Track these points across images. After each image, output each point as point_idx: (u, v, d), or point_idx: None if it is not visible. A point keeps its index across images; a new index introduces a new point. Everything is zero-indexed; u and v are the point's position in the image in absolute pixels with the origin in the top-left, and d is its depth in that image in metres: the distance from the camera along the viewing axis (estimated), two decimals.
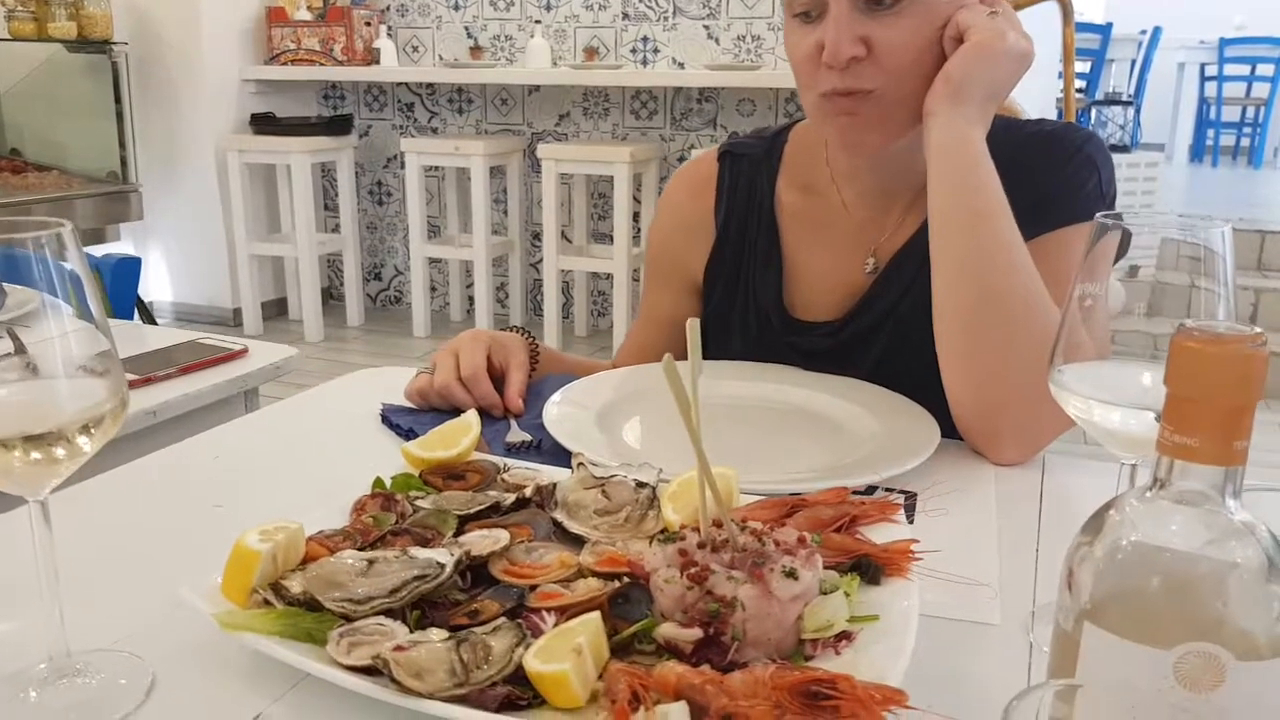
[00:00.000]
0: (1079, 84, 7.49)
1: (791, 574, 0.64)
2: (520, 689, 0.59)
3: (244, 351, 1.54)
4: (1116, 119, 7.88)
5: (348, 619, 0.64)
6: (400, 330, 5.20)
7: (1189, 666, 0.46)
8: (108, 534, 0.88)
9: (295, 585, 0.67)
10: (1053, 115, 5.69)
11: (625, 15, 4.83)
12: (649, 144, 4.69)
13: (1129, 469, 0.70)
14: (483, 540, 0.74)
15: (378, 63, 5.07)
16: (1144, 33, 8.45)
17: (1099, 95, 8.02)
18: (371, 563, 0.70)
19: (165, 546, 0.86)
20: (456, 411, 1.07)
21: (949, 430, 1.04)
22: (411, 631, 0.64)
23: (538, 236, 5.01)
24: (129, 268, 2.03)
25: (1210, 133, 8.99)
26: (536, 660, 0.59)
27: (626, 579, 0.69)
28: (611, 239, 4.58)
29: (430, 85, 5.22)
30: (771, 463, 0.98)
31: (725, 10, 4.65)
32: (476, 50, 5.10)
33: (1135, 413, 0.64)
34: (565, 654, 0.58)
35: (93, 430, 0.60)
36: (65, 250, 0.60)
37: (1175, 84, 8.91)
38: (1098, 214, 0.67)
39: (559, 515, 0.80)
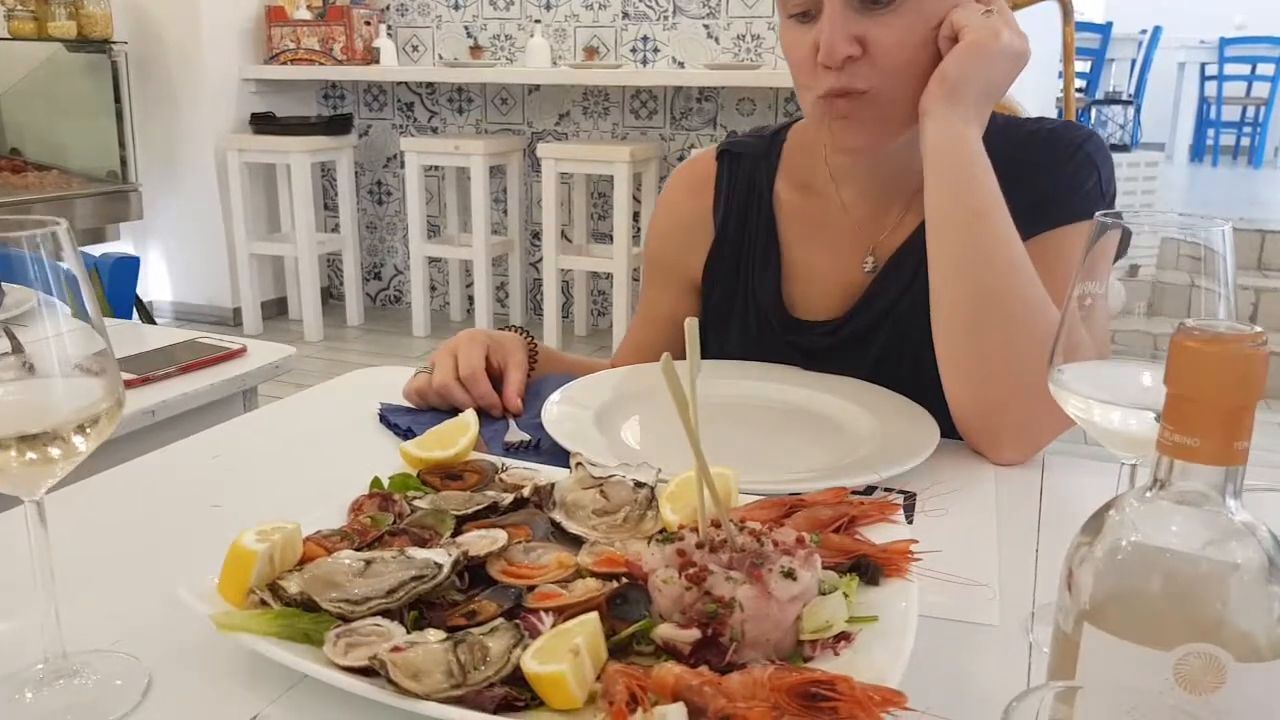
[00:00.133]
0: (1079, 83, 7.48)
1: (790, 574, 0.64)
2: (518, 690, 0.59)
3: (242, 351, 1.54)
4: (1116, 118, 7.88)
5: (345, 620, 0.64)
6: (400, 330, 5.20)
7: (1189, 668, 0.46)
8: (105, 534, 0.87)
9: (292, 586, 0.67)
10: (1053, 114, 5.69)
11: (625, 14, 4.83)
12: (649, 143, 4.69)
13: (1129, 469, 0.69)
14: (480, 540, 0.73)
15: (377, 62, 5.06)
16: (1144, 32, 8.45)
17: (1099, 94, 8.02)
18: (369, 563, 0.69)
19: (162, 546, 0.85)
20: (455, 411, 1.07)
21: (949, 430, 1.04)
22: (409, 632, 0.63)
23: (537, 236, 5.01)
24: (127, 267, 2.02)
25: (1210, 132, 8.99)
26: (534, 661, 0.58)
27: (625, 579, 0.68)
28: (611, 238, 4.58)
29: (430, 85, 5.22)
30: (770, 462, 0.98)
31: (725, 10, 4.65)
32: (476, 50, 5.10)
33: (1135, 412, 0.64)
34: (563, 655, 0.58)
35: (88, 430, 0.60)
36: (61, 249, 0.59)
37: (1175, 83, 8.90)
38: (1098, 213, 0.67)
39: (557, 515, 0.80)
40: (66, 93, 4.63)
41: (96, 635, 0.69)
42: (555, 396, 1.11)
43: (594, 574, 0.70)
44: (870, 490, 0.92)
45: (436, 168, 5.13)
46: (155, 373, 1.40)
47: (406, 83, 5.24)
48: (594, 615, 0.63)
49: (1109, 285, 0.68)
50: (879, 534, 0.75)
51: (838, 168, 1.21)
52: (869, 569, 0.70)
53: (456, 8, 5.12)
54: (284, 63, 5.10)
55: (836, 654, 0.63)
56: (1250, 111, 9.02)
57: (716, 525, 0.68)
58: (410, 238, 4.93)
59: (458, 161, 4.79)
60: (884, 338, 1.17)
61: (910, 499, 0.92)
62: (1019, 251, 1.01)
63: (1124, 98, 8.16)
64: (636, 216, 4.65)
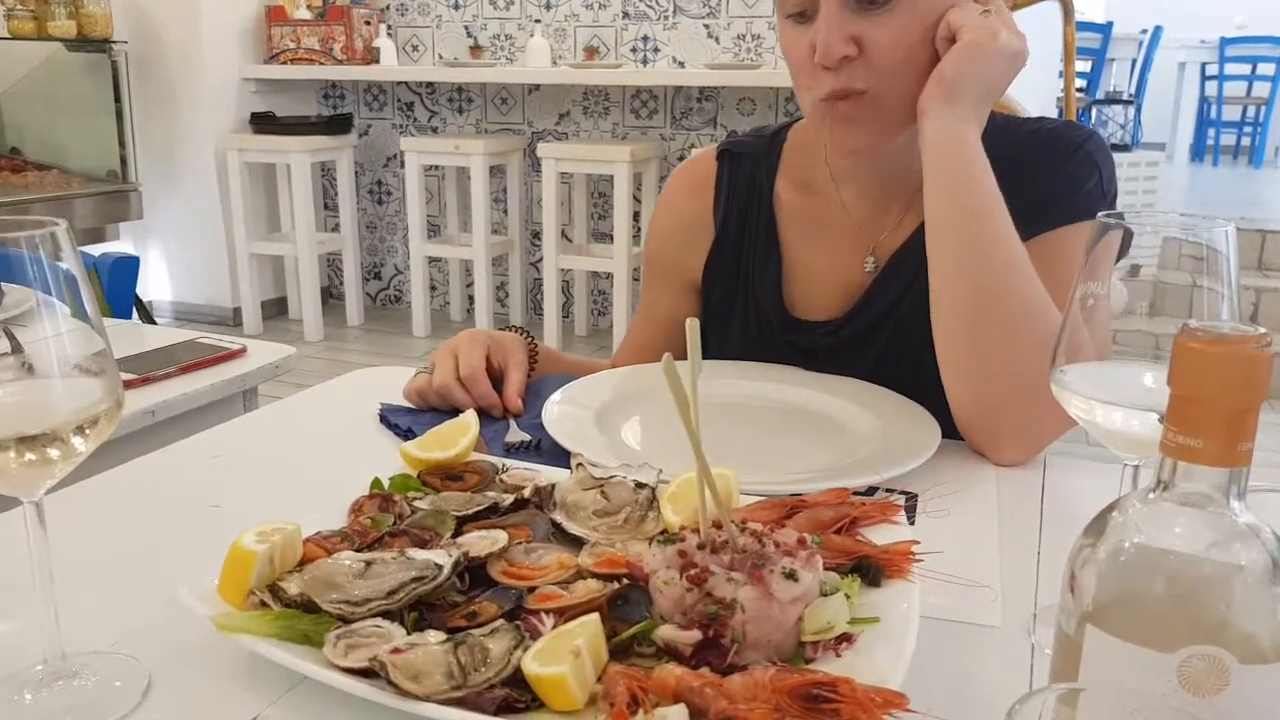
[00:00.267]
0: (1079, 83, 7.48)
1: (791, 576, 0.64)
2: (518, 692, 0.58)
3: (242, 351, 1.54)
4: (1117, 118, 7.88)
5: (345, 621, 0.64)
6: (400, 330, 5.20)
7: (1193, 670, 0.46)
8: (105, 534, 0.87)
9: (292, 587, 0.67)
10: (1053, 114, 5.69)
11: (625, 14, 4.82)
12: (649, 143, 4.69)
13: (1131, 470, 0.69)
14: (481, 541, 0.73)
15: (377, 62, 5.06)
16: (1145, 32, 8.45)
17: (1100, 94, 8.02)
18: (369, 564, 0.69)
19: (162, 547, 0.85)
20: (455, 411, 1.06)
21: (950, 430, 1.04)
22: (409, 633, 0.63)
23: (538, 236, 5.00)
24: (127, 267, 2.02)
25: (1211, 132, 8.99)
26: (535, 663, 0.58)
27: (625, 580, 0.68)
28: (611, 238, 4.57)
29: (430, 84, 5.22)
30: (772, 463, 0.98)
31: (725, 9, 4.65)
32: (476, 49, 5.09)
33: (1138, 413, 0.64)
34: (563, 656, 0.58)
35: (87, 431, 0.60)
36: (60, 249, 0.59)
37: (1176, 83, 8.90)
38: (1099, 213, 0.67)
39: (558, 516, 0.80)
40: (66, 92, 4.63)
41: (96, 636, 0.69)
42: (556, 397, 1.11)
43: (595, 575, 0.70)
44: (872, 491, 0.91)
45: (436, 167, 5.13)
46: (155, 373, 1.40)
47: (406, 82, 5.24)
48: (595, 616, 0.63)
49: (1111, 285, 0.67)
50: (880, 535, 0.75)
51: (838, 168, 1.20)
52: (870, 570, 0.70)
53: (456, 7, 5.12)
54: (284, 62, 5.10)
55: (838, 655, 0.63)
56: (1251, 111, 9.02)
57: (718, 526, 0.68)
58: (410, 237, 4.93)
59: (458, 161, 4.79)
60: (885, 338, 1.17)
61: (911, 500, 0.92)
62: (1018, 251, 1.01)
63: (1124, 97, 8.16)
64: (637, 216, 4.65)
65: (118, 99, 4.55)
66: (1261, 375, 0.45)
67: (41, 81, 4.61)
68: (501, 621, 0.64)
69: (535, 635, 0.62)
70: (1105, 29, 7.96)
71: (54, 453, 0.59)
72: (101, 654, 0.67)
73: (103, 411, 0.60)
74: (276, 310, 5.33)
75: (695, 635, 0.62)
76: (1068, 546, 0.52)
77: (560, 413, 1.07)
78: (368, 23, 5.12)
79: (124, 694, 0.64)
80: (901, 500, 0.88)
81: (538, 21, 4.94)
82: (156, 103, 4.96)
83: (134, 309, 2.22)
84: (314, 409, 1.24)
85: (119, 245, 4.86)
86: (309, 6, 5.08)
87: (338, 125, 5.10)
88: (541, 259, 4.84)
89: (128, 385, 1.36)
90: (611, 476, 0.83)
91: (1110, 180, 1.11)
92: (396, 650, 0.60)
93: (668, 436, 0.99)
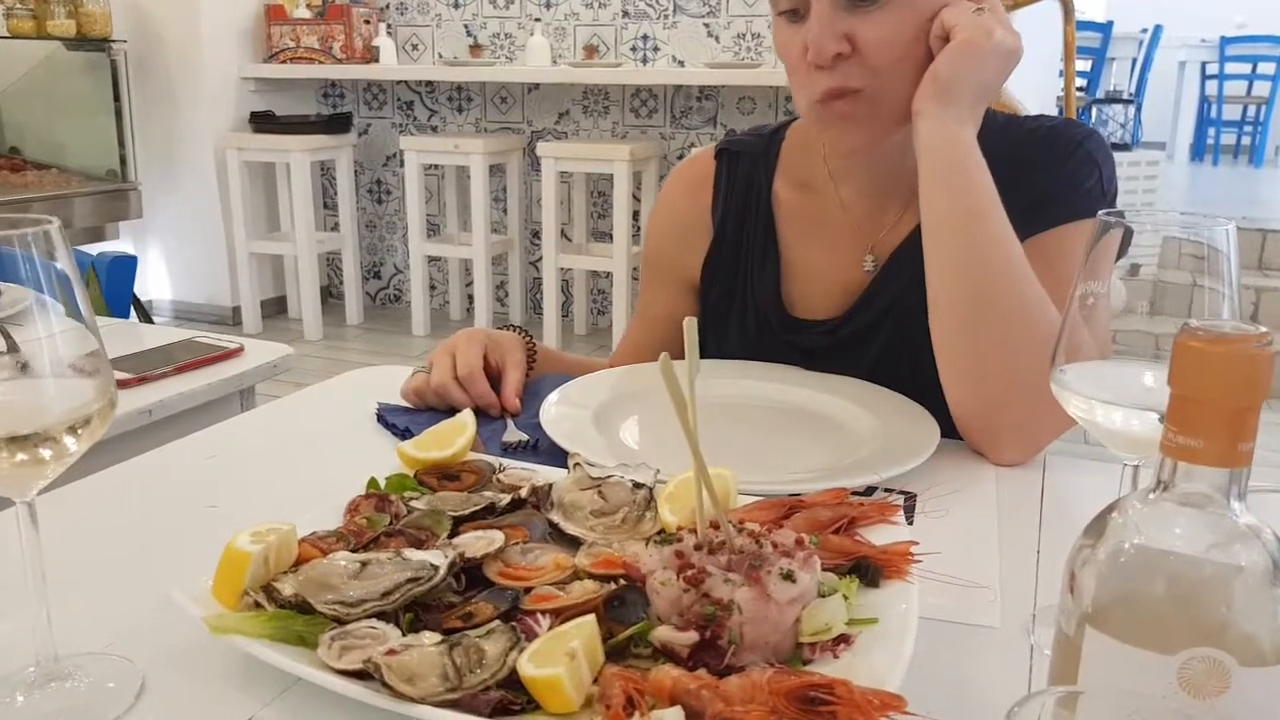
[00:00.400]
0: (1080, 82, 7.48)
1: (789, 576, 0.63)
2: (514, 694, 0.58)
3: (239, 350, 1.53)
4: (1117, 117, 7.88)
5: (340, 622, 0.64)
6: (400, 329, 5.19)
7: (1193, 672, 0.46)
8: (100, 534, 0.87)
9: (287, 587, 0.66)
10: (1054, 113, 5.68)
11: (625, 13, 4.82)
12: (649, 142, 4.68)
13: (1131, 470, 0.69)
14: (477, 542, 0.73)
15: (377, 61, 5.06)
16: (1145, 31, 8.44)
17: (1100, 93, 8.01)
18: (364, 564, 0.69)
19: (157, 547, 0.85)
20: (453, 411, 1.06)
21: (949, 430, 1.04)
22: (404, 634, 0.63)
23: (537, 235, 5.00)
24: (125, 266, 2.02)
25: (1211, 131, 8.98)
26: (530, 664, 0.58)
27: (622, 581, 0.68)
28: (611, 237, 4.57)
29: (430, 83, 5.21)
30: (770, 463, 0.97)
31: (725, 8, 4.64)
32: (476, 48, 5.09)
33: (1138, 413, 0.64)
34: (559, 658, 0.58)
35: (80, 431, 0.59)
36: (53, 249, 0.59)
37: (1176, 82, 8.89)
38: (1100, 212, 0.67)
39: (555, 516, 0.79)
40: (66, 91, 4.63)
41: (89, 638, 0.69)
42: (553, 396, 1.11)
43: (592, 575, 0.70)
44: (870, 491, 0.91)
45: (436, 166, 5.12)
46: (152, 372, 1.40)
47: (406, 81, 5.23)
48: (591, 618, 0.62)
49: (1111, 285, 0.67)
50: (879, 535, 0.74)
51: (836, 166, 1.20)
52: (869, 571, 0.70)
53: (456, 6, 5.11)
54: (283, 61, 5.09)
55: (836, 657, 0.62)
56: (1251, 110, 9.01)
57: (715, 527, 0.68)
58: (410, 236, 4.92)
59: (457, 160, 4.78)
60: (884, 337, 1.16)
61: (910, 500, 0.91)
62: (1015, 251, 1.00)
63: (1125, 97, 8.15)
64: (636, 215, 4.64)
65: (117, 98, 4.55)
66: (1262, 375, 0.45)
67: (41, 80, 4.61)
68: (497, 623, 0.63)
69: (531, 636, 0.61)
70: (1105, 28, 7.95)
71: (46, 453, 0.58)
72: (94, 655, 0.67)
73: (95, 411, 0.60)
74: (276, 309, 5.33)
75: (692, 636, 0.61)
76: (1067, 547, 0.52)
77: (558, 412, 1.06)
78: (367, 21, 5.12)
79: (117, 696, 0.63)
80: (900, 500, 0.88)
81: (537, 20, 4.93)
82: (156, 102, 4.96)
83: (132, 308, 2.22)
84: (311, 408, 1.23)
85: (118, 244, 4.86)
86: (308, 5, 5.08)
87: (337, 124, 5.10)
88: (541, 258, 4.84)
89: (124, 384, 1.36)
90: (609, 476, 0.83)
91: (1110, 179, 1.11)
92: (391, 652, 0.59)
93: (666, 436, 0.99)
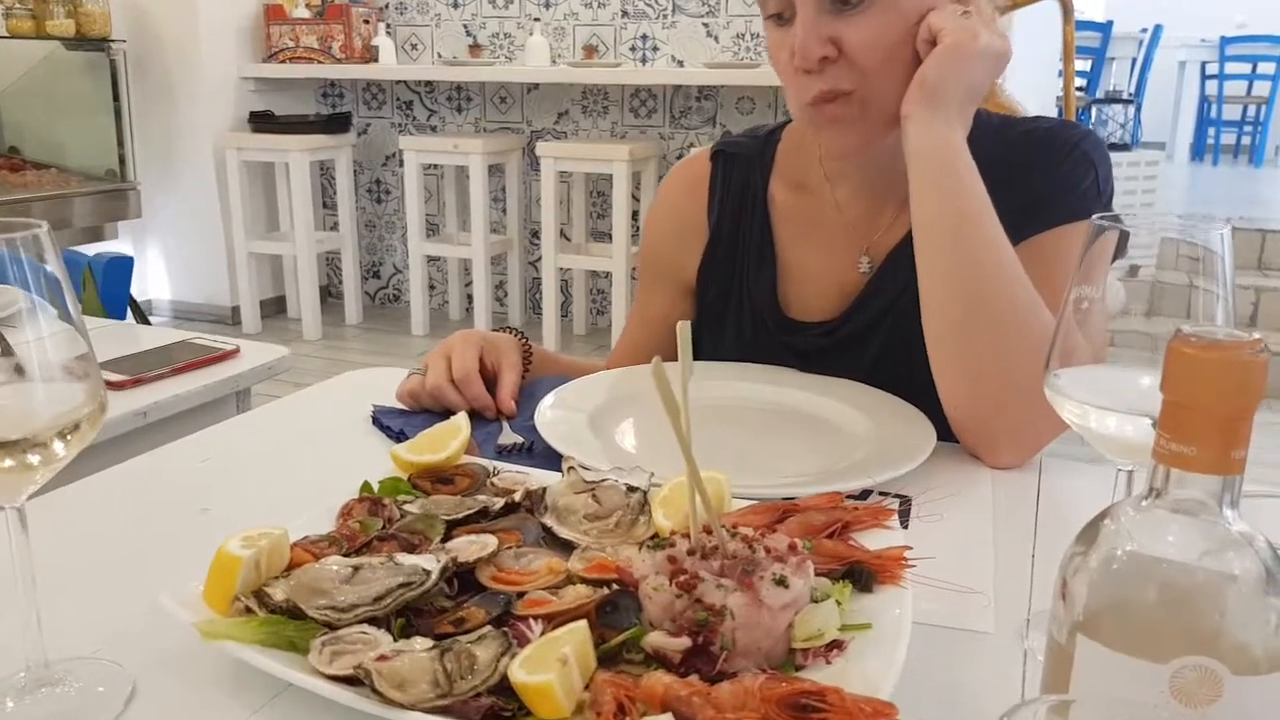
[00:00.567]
0: (1079, 82, 7.47)
1: (782, 582, 0.63)
2: (504, 700, 0.58)
3: (235, 352, 1.53)
4: (1117, 117, 7.87)
5: (331, 627, 0.63)
6: (399, 329, 5.19)
7: (1185, 681, 0.45)
8: (92, 538, 0.87)
9: (278, 593, 0.66)
10: (1053, 113, 5.68)
11: (624, 13, 4.81)
12: (648, 142, 4.68)
13: (1125, 475, 0.68)
14: (470, 546, 0.73)
15: (376, 60, 5.05)
16: (1145, 31, 8.44)
17: (1099, 93, 8.00)
18: (356, 569, 0.68)
19: (150, 551, 0.85)
20: (448, 413, 1.06)
21: (945, 432, 1.03)
22: (396, 640, 0.63)
23: (536, 235, 4.99)
24: (121, 267, 2.02)
25: (1211, 131, 8.98)
26: (521, 670, 0.58)
27: (615, 586, 0.67)
28: (610, 237, 4.57)
29: (429, 83, 5.21)
30: (764, 466, 0.97)
31: (724, 8, 4.64)
32: (475, 48, 5.09)
33: (1132, 419, 0.63)
34: (550, 664, 0.57)
35: (69, 436, 0.59)
36: (43, 252, 0.58)
37: (1176, 82, 8.89)
38: (1094, 216, 0.66)
39: (548, 520, 0.79)
40: (65, 91, 4.63)
41: (80, 642, 0.68)
42: (549, 399, 1.10)
43: (585, 580, 0.70)
44: (866, 494, 0.91)
45: (435, 166, 5.12)
46: (147, 374, 1.40)
47: (405, 81, 5.23)
48: (583, 623, 0.62)
49: (1109, 285, 0.67)
50: (873, 540, 0.74)
51: (831, 167, 1.20)
52: (862, 576, 0.69)
53: (455, 6, 5.11)
54: (283, 61, 5.09)
55: (829, 663, 0.62)
56: (1251, 110, 9.01)
57: (708, 531, 0.68)
58: (409, 236, 4.92)
59: (457, 160, 4.78)
60: (880, 339, 1.16)
61: (906, 503, 0.91)
62: (1007, 253, 1.00)
63: (1124, 97, 8.14)
64: (635, 215, 4.64)
65: (116, 98, 4.55)
66: (1255, 381, 0.45)
67: (40, 80, 4.61)
68: (489, 628, 0.63)
69: (523, 642, 0.61)
70: (1105, 28, 7.94)
71: (34, 459, 0.58)
72: (85, 660, 0.67)
73: (85, 416, 0.60)
74: (275, 309, 5.33)
75: (684, 642, 0.61)
76: (1062, 551, 0.52)
77: (553, 415, 1.06)
78: (366, 21, 5.11)
79: (107, 701, 0.63)
80: (895, 504, 0.87)
81: (537, 20, 4.93)
82: (155, 101, 4.95)
83: (129, 309, 2.22)
84: (306, 410, 1.23)
85: (117, 244, 4.86)
86: (308, 5, 5.08)
87: (336, 124, 5.09)
88: (540, 258, 4.84)
89: (119, 386, 1.36)
90: (603, 480, 0.83)
91: (1106, 179, 1.11)
92: (382, 658, 0.59)
93: (661, 439, 0.98)
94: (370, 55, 5.09)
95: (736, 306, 1.24)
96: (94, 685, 0.64)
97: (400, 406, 1.15)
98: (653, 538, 0.75)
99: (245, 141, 4.90)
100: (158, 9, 4.88)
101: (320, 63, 5.06)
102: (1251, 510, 0.49)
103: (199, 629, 0.63)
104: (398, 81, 5.24)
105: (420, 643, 0.61)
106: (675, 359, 0.69)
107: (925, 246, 1.03)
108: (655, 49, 4.79)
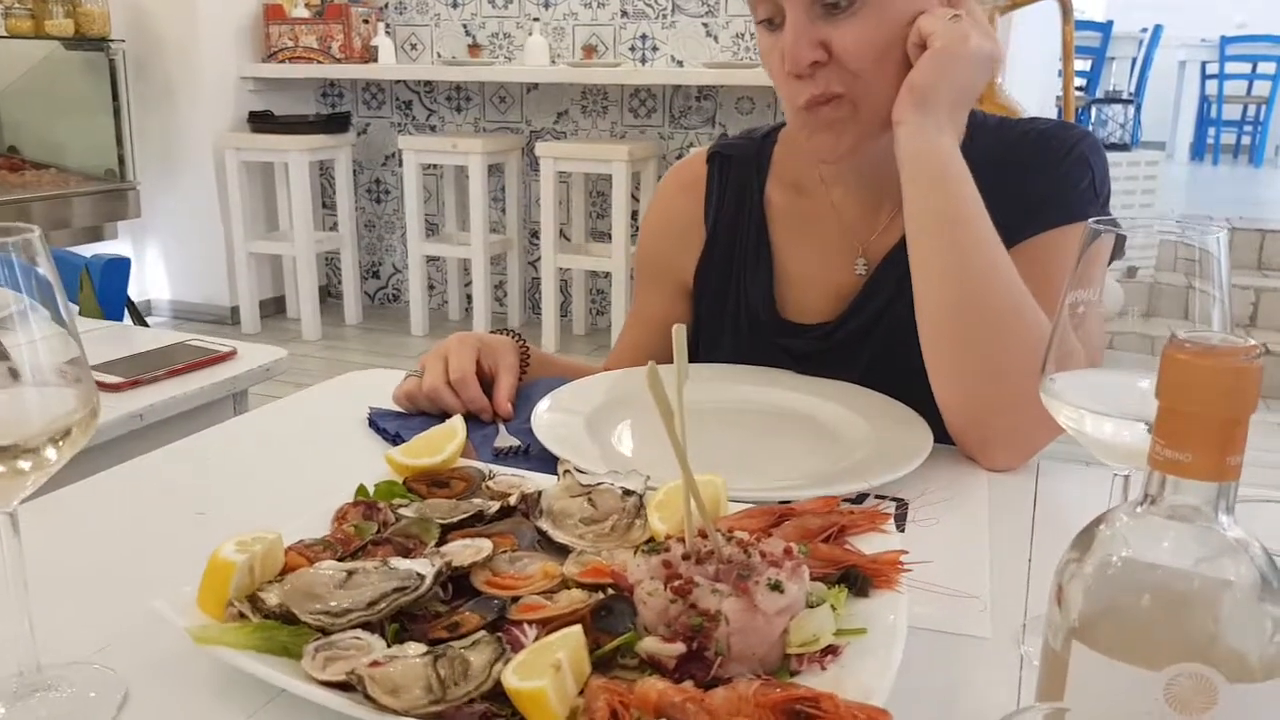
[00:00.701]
0: (1079, 82, 7.47)
1: (777, 587, 0.63)
2: (498, 706, 0.57)
3: (232, 354, 1.53)
4: (1117, 117, 7.85)
5: (325, 632, 0.63)
6: (398, 329, 5.19)
7: (1180, 688, 0.45)
8: (85, 542, 0.86)
9: (272, 597, 0.66)
10: (1053, 113, 5.68)
11: (624, 13, 4.81)
12: (647, 142, 4.68)
13: (1122, 479, 0.68)
14: (465, 550, 0.72)
15: (376, 60, 5.05)
16: (1145, 31, 8.43)
17: (1099, 93, 7.99)
18: (350, 574, 0.68)
19: (144, 555, 0.84)
20: (445, 416, 1.05)
21: (943, 434, 1.03)
22: (390, 645, 0.62)
23: (536, 235, 4.99)
24: (119, 268, 2.01)
25: (1211, 131, 8.97)
26: (515, 676, 0.57)
27: (610, 590, 0.67)
28: (610, 237, 4.57)
29: (428, 83, 5.21)
30: (761, 469, 0.97)
31: (724, 8, 4.64)
32: (475, 48, 5.08)
33: (1127, 424, 0.63)
34: (544, 670, 0.57)
35: (60, 442, 0.59)
36: (35, 256, 0.58)
37: (1176, 82, 8.89)
38: (1090, 219, 0.66)
39: (544, 524, 0.79)
40: (64, 91, 4.63)
41: (73, 647, 0.68)
42: (546, 402, 1.10)
43: (580, 584, 0.69)
44: (862, 498, 0.90)
45: (435, 166, 5.12)
46: (143, 376, 1.39)
47: (405, 81, 5.22)
48: (577, 629, 0.62)
49: (1107, 286, 0.67)
50: (869, 544, 0.74)
51: (827, 169, 1.20)
52: (858, 580, 0.69)
53: (455, 6, 5.11)
54: (282, 61, 5.09)
55: (824, 668, 0.62)
56: (1251, 110, 9.00)
57: (704, 535, 0.67)
58: (408, 236, 4.92)
59: (456, 160, 4.78)
60: (877, 341, 1.16)
61: (902, 507, 0.91)
62: (1000, 256, 1.00)
63: (1124, 96, 8.12)
64: (635, 215, 4.64)
65: (115, 97, 4.55)
66: (1251, 388, 0.44)
67: (39, 80, 4.60)
68: (483, 633, 0.63)
69: (517, 647, 0.61)
70: (1105, 28, 7.94)
71: (25, 464, 0.58)
72: (78, 665, 0.66)
73: (77, 421, 0.59)
74: (274, 309, 5.32)
75: (679, 648, 0.61)
76: (1059, 555, 0.51)
77: (550, 418, 1.06)
78: (366, 21, 5.11)
79: (100, 706, 0.63)
80: (891, 508, 0.87)
81: (536, 20, 4.93)
82: (154, 101, 4.95)
83: (126, 311, 2.22)
84: (303, 413, 1.23)
85: (117, 244, 4.86)
86: (307, 5, 5.07)
87: (336, 124, 5.09)
88: (540, 258, 4.83)
89: (116, 388, 1.36)
90: (599, 483, 0.83)
91: (1103, 181, 1.11)
92: (375, 663, 0.59)
93: (659, 441, 0.98)
94: (369, 55, 5.09)
95: (733, 309, 1.24)
96: (86, 690, 0.64)
97: (397, 409, 1.15)
98: (648, 542, 0.74)
99: (244, 141, 4.90)
100: (157, 9, 4.88)
101: (319, 62, 5.06)
102: (1248, 514, 0.48)
103: (192, 634, 0.63)
104: (397, 81, 5.23)
105: (414, 648, 0.61)
106: (672, 361, 0.69)
107: (918, 250, 1.03)
108: (655, 49, 4.79)
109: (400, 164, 5.01)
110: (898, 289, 1.13)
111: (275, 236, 5.17)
